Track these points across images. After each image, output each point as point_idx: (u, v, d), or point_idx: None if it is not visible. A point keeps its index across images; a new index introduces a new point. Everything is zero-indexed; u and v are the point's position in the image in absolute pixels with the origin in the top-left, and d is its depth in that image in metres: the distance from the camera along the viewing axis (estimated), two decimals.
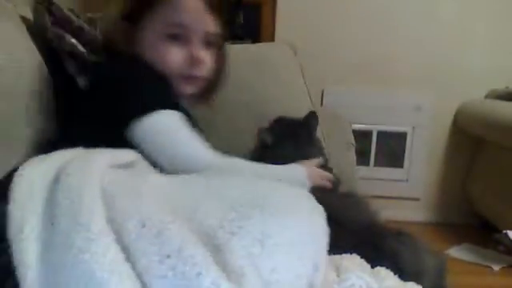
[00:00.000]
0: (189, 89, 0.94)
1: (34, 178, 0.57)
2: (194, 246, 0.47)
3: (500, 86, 2.32)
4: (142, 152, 0.77)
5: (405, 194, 2.48)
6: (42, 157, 0.64)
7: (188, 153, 0.79)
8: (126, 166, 0.67)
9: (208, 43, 0.94)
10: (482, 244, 2.09)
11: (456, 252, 2.01)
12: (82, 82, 0.95)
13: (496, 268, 1.88)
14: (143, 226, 0.49)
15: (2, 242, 0.51)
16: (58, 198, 0.52)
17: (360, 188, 1.46)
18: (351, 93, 2.40)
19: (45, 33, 0.94)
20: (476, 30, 2.38)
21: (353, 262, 0.63)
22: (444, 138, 2.47)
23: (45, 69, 0.93)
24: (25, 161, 0.63)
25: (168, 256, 0.46)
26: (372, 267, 0.64)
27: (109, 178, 0.58)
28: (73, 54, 0.93)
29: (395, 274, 0.62)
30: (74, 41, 0.95)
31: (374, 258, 0.66)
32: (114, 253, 0.46)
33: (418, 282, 0.63)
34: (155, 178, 0.66)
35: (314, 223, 0.56)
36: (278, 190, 0.60)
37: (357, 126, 2.18)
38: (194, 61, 0.91)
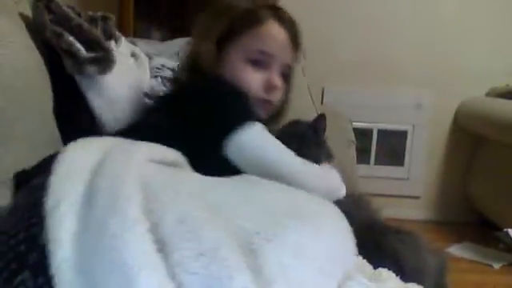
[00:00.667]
0: (261, 112, 0.97)
1: (77, 158, 0.57)
2: (229, 248, 0.47)
3: (500, 84, 2.32)
4: (236, 164, 0.80)
5: (405, 192, 2.48)
6: (87, 139, 0.64)
7: (289, 163, 0.82)
8: (169, 163, 0.67)
9: (282, 73, 1.00)
10: (482, 242, 2.09)
11: (456, 250, 2.01)
12: (79, 80, 0.96)
13: (496, 266, 1.88)
14: (181, 221, 0.49)
15: (35, 216, 0.51)
16: (99, 181, 0.52)
17: (360, 186, 1.46)
18: (352, 91, 2.39)
19: (43, 31, 0.94)
20: (476, 28, 2.38)
21: (355, 264, 0.63)
22: (444, 136, 2.47)
23: (43, 67, 0.93)
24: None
25: (202, 254, 0.45)
26: (373, 266, 0.64)
27: (150, 170, 0.58)
28: (69, 52, 0.93)
29: (396, 272, 0.62)
30: (71, 39, 0.94)
31: (375, 256, 0.66)
32: (147, 243, 0.46)
33: (419, 280, 0.63)
34: (195, 176, 0.66)
35: (346, 239, 0.57)
36: (314, 202, 0.61)
37: (357, 125, 2.17)
38: (271, 86, 0.96)
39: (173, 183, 0.57)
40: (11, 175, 0.76)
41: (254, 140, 0.82)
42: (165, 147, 0.67)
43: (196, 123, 0.83)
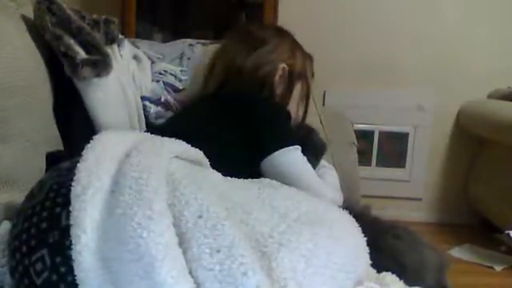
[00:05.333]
0: None
1: (107, 147, 0.58)
2: (244, 247, 0.47)
3: (502, 86, 2.31)
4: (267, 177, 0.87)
5: (406, 194, 2.48)
6: (117, 131, 0.66)
7: (316, 188, 0.90)
8: (193, 161, 0.68)
9: None
10: (483, 244, 2.09)
11: (458, 252, 2.01)
12: (77, 82, 0.97)
13: (498, 268, 1.87)
14: (200, 216, 0.50)
15: (60, 198, 0.52)
16: (127, 170, 0.53)
17: (362, 188, 1.46)
18: (353, 93, 2.39)
19: (44, 33, 0.95)
20: (478, 30, 2.38)
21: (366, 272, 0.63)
22: (446, 138, 2.47)
23: (43, 67, 0.93)
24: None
25: (218, 250, 0.46)
26: (372, 265, 0.64)
27: (175, 165, 0.59)
28: (67, 55, 0.94)
29: (396, 268, 0.62)
30: (71, 42, 0.95)
31: (373, 254, 0.66)
32: (170, 236, 0.47)
33: (419, 275, 0.64)
34: (217, 176, 0.67)
35: (360, 249, 0.58)
36: (330, 210, 0.62)
37: (359, 126, 2.18)
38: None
39: (195, 180, 0.59)
40: (11, 172, 0.77)
41: (293, 163, 0.91)
42: (189, 146, 0.68)
43: (256, 131, 0.93)
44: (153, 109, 1.20)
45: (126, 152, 0.57)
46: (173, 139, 0.65)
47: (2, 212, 0.71)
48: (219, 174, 0.68)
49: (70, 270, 0.49)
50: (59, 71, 0.95)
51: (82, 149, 0.57)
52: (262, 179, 0.73)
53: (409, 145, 2.45)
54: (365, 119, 2.37)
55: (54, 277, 0.49)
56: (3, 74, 0.81)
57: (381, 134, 2.44)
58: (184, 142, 0.67)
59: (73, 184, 0.52)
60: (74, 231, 0.48)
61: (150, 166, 0.54)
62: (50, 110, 0.94)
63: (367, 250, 0.59)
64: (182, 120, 1.05)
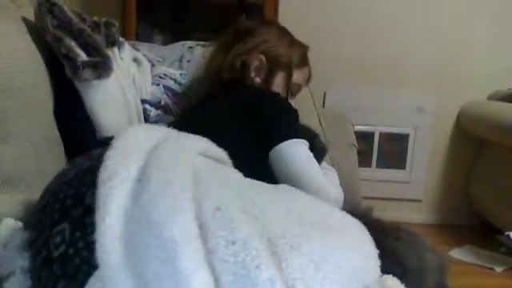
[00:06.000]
0: None
1: (136, 139, 0.59)
2: (259, 241, 0.48)
3: (502, 87, 2.32)
4: (273, 167, 0.93)
5: (407, 196, 2.48)
6: (146, 125, 0.69)
7: (320, 182, 0.94)
8: (217, 160, 0.70)
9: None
10: (484, 246, 2.09)
11: (458, 253, 2.01)
12: (77, 84, 0.97)
13: (498, 270, 1.87)
14: (218, 208, 0.50)
15: (88, 179, 0.54)
16: (155, 162, 0.54)
17: (362, 189, 1.47)
18: (353, 94, 2.40)
19: (45, 34, 0.95)
20: (478, 31, 2.38)
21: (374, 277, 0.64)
22: (446, 139, 2.47)
23: (44, 68, 0.94)
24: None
25: (233, 243, 0.47)
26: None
27: (199, 161, 0.60)
28: (67, 56, 0.94)
29: (397, 271, 0.62)
30: (72, 43, 0.95)
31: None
32: (193, 227, 0.48)
33: (420, 277, 0.64)
34: (237, 175, 0.69)
35: (369, 255, 0.58)
36: (343, 216, 0.62)
37: (359, 128, 2.18)
38: None
39: (217, 175, 0.60)
40: (10, 173, 0.78)
41: (299, 155, 0.95)
42: (214, 145, 0.69)
43: (264, 124, 0.96)
44: (153, 112, 1.20)
45: (154, 144, 0.59)
46: (197, 136, 0.67)
47: (20, 213, 0.71)
48: (240, 173, 0.69)
49: (87, 246, 0.50)
50: (59, 73, 0.96)
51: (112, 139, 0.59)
52: (280, 185, 0.74)
53: (409, 146, 2.46)
54: (365, 120, 2.37)
55: (71, 251, 0.51)
56: (3, 74, 0.81)
57: (381, 135, 2.44)
58: (208, 140, 0.68)
59: (100, 170, 0.53)
60: (98, 214, 0.49)
61: (177, 159, 0.55)
62: (50, 111, 0.95)
63: (378, 262, 0.59)
64: (187, 121, 1.06)
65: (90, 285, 0.49)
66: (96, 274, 0.49)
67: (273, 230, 0.51)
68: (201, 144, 0.66)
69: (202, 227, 0.48)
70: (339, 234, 0.56)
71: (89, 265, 0.50)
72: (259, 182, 0.68)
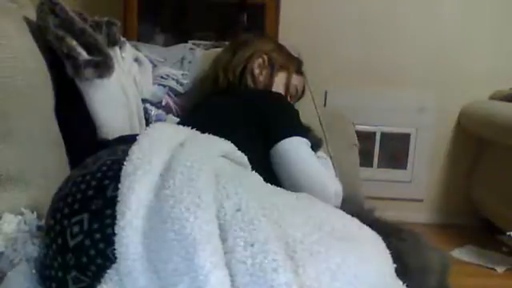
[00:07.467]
0: None
1: (161, 136, 0.60)
2: (278, 244, 0.48)
3: (504, 87, 2.31)
4: (274, 161, 0.96)
5: (408, 196, 2.48)
6: (171, 124, 0.69)
7: (322, 181, 0.95)
8: (238, 163, 0.70)
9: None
10: (485, 246, 2.09)
11: (459, 254, 2.01)
12: (79, 83, 0.97)
13: (500, 270, 1.87)
14: (238, 209, 0.51)
15: (111, 172, 0.55)
16: (180, 158, 0.55)
17: (363, 189, 1.46)
18: (354, 94, 2.39)
19: (46, 34, 0.95)
20: (480, 31, 2.38)
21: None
22: (447, 139, 2.47)
23: (45, 68, 0.94)
24: None
25: (252, 244, 0.47)
26: None
27: (221, 162, 0.62)
28: (69, 56, 0.94)
29: (399, 271, 0.62)
30: (74, 43, 0.95)
31: None
32: (213, 226, 0.48)
33: (422, 278, 0.63)
34: (257, 178, 0.69)
35: (385, 265, 0.58)
36: (361, 227, 0.62)
37: (360, 128, 2.17)
38: None
39: (238, 177, 0.61)
40: (11, 172, 0.78)
41: (301, 151, 0.97)
42: (236, 148, 0.71)
43: (267, 123, 0.99)
44: (154, 111, 1.20)
45: (179, 142, 0.60)
46: (222, 139, 0.68)
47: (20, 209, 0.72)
48: (260, 177, 0.70)
49: (104, 238, 0.51)
50: (60, 72, 0.96)
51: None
52: (301, 193, 0.73)
53: (410, 146, 2.45)
54: (366, 120, 2.37)
55: (88, 241, 0.51)
56: (4, 73, 0.82)
57: (382, 135, 2.44)
58: (231, 144, 0.70)
59: (125, 163, 0.54)
60: (120, 207, 0.50)
61: (202, 157, 0.56)
62: (51, 110, 0.95)
63: (394, 275, 0.59)
64: (193, 121, 1.06)
65: (106, 277, 0.49)
66: (114, 266, 0.49)
67: (292, 235, 0.51)
68: (225, 146, 0.67)
69: (220, 226, 0.49)
70: (359, 247, 0.55)
71: (103, 257, 0.51)
72: (279, 188, 0.69)
